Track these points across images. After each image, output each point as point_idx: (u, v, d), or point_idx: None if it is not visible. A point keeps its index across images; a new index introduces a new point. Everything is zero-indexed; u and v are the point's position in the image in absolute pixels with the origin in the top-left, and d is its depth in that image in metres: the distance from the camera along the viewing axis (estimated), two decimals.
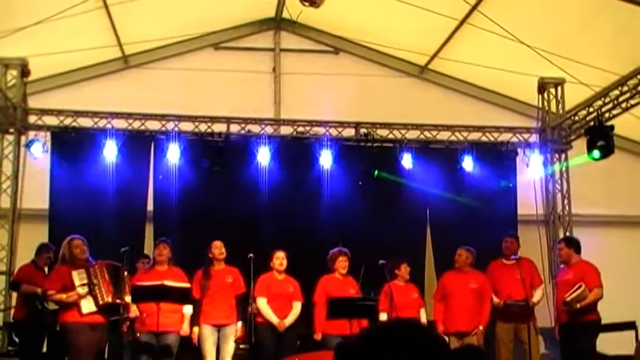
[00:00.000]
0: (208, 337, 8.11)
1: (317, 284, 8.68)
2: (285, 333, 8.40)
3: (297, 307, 8.57)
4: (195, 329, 8.15)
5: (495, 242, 9.52)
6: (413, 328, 1.70)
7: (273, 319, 8.35)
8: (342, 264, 8.72)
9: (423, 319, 8.93)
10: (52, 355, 8.61)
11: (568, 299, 8.22)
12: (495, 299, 8.85)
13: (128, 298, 7.76)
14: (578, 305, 8.19)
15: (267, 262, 8.60)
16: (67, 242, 7.75)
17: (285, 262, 8.60)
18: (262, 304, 8.38)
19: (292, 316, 8.49)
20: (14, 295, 9.38)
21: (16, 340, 9.23)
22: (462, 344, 8.27)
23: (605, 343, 8.42)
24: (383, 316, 8.52)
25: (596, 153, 9.56)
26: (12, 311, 9.35)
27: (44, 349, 8.94)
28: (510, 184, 10.71)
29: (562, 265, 8.92)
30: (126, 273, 7.82)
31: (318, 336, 8.44)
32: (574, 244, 8.71)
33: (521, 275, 8.56)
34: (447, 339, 8.47)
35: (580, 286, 8.21)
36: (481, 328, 8.66)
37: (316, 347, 8.37)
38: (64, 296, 7.50)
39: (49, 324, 8.47)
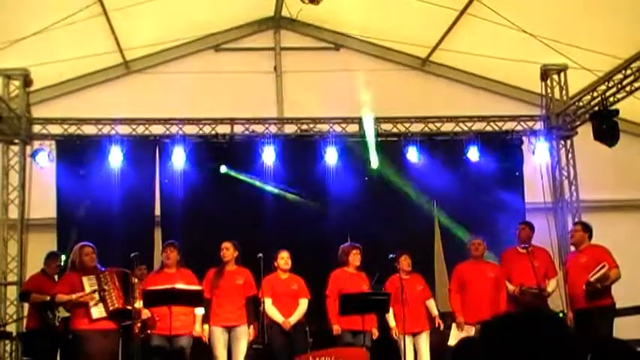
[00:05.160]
0: (219, 338, 8.11)
1: (329, 278, 8.69)
2: (295, 331, 8.41)
3: (302, 304, 8.58)
4: (206, 327, 8.15)
5: (504, 232, 9.52)
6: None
7: (279, 318, 8.36)
8: (355, 257, 8.73)
9: (433, 310, 8.90)
10: None
11: (592, 279, 8.20)
12: (510, 286, 8.81)
13: (138, 304, 7.78)
14: (600, 285, 8.17)
15: (272, 261, 8.61)
16: (78, 249, 7.82)
17: (289, 261, 8.61)
18: (268, 304, 8.38)
19: (298, 313, 8.51)
20: (27, 305, 9.40)
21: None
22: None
23: (617, 327, 8.37)
24: (390, 312, 8.51)
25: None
26: (24, 321, 9.36)
27: (57, 358, 8.95)
28: (517, 173, 10.68)
29: (572, 249, 8.92)
30: (136, 280, 7.83)
31: (336, 329, 8.42)
32: (589, 230, 8.77)
33: (535, 264, 8.57)
34: (472, 328, 8.45)
35: (603, 266, 8.24)
36: None
37: (330, 343, 8.36)
38: (73, 296, 7.54)
39: (60, 332, 8.49)
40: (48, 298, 8.36)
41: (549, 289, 8.88)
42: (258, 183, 10.22)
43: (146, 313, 7.92)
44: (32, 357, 9.00)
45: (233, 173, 10.20)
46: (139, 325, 7.96)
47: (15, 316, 9.74)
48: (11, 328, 9.64)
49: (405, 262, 8.83)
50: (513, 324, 2.10)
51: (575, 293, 8.56)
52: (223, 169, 10.16)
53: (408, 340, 8.52)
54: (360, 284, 8.61)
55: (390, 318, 8.56)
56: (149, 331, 7.98)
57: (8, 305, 9.88)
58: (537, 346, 1.94)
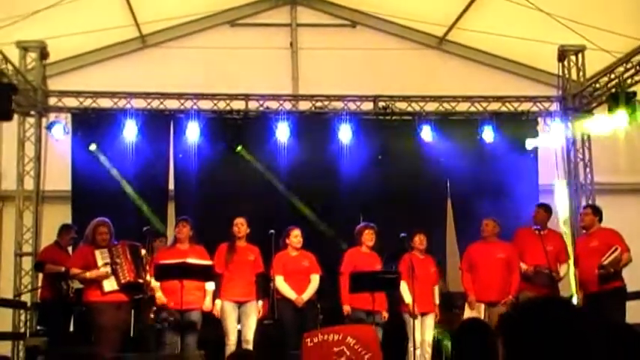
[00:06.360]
0: (230, 313, 8.16)
1: (343, 257, 8.70)
2: (305, 307, 8.44)
3: (315, 279, 8.60)
4: (218, 302, 8.21)
5: (517, 212, 9.51)
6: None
7: (291, 295, 8.38)
8: (368, 237, 8.73)
9: (436, 297, 8.82)
10: (80, 334, 8.73)
11: (605, 262, 8.17)
12: (524, 266, 8.77)
13: (149, 278, 7.85)
14: (612, 269, 8.16)
15: (284, 239, 8.63)
16: (94, 226, 7.90)
17: (301, 239, 8.64)
18: (279, 281, 8.41)
19: (310, 289, 8.53)
20: (41, 276, 9.51)
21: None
22: (490, 314, 8.34)
23: (629, 311, 8.35)
24: (403, 285, 8.48)
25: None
26: (39, 292, 9.48)
27: (71, 328, 9.07)
28: (531, 154, 10.62)
29: (583, 232, 8.90)
30: (144, 252, 7.90)
31: (347, 308, 8.42)
32: (599, 213, 8.72)
33: (548, 248, 8.51)
34: (482, 306, 8.46)
35: (616, 249, 8.20)
36: (511, 297, 8.56)
37: (340, 320, 8.40)
38: (87, 274, 7.63)
39: (74, 303, 8.60)
40: (63, 269, 8.48)
41: (561, 273, 8.84)
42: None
43: (160, 298, 7.98)
44: (46, 327, 9.12)
45: (246, 154, 10.24)
46: (154, 309, 8.03)
47: (30, 287, 9.86)
48: (26, 297, 9.79)
49: (419, 241, 8.84)
50: (528, 312, 2.12)
51: (586, 277, 8.49)
52: (239, 148, 10.20)
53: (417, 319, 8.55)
54: (373, 264, 8.62)
55: (406, 294, 8.48)
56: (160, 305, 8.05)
57: (23, 275, 10.00)
58: (552, 332, 1.96)
